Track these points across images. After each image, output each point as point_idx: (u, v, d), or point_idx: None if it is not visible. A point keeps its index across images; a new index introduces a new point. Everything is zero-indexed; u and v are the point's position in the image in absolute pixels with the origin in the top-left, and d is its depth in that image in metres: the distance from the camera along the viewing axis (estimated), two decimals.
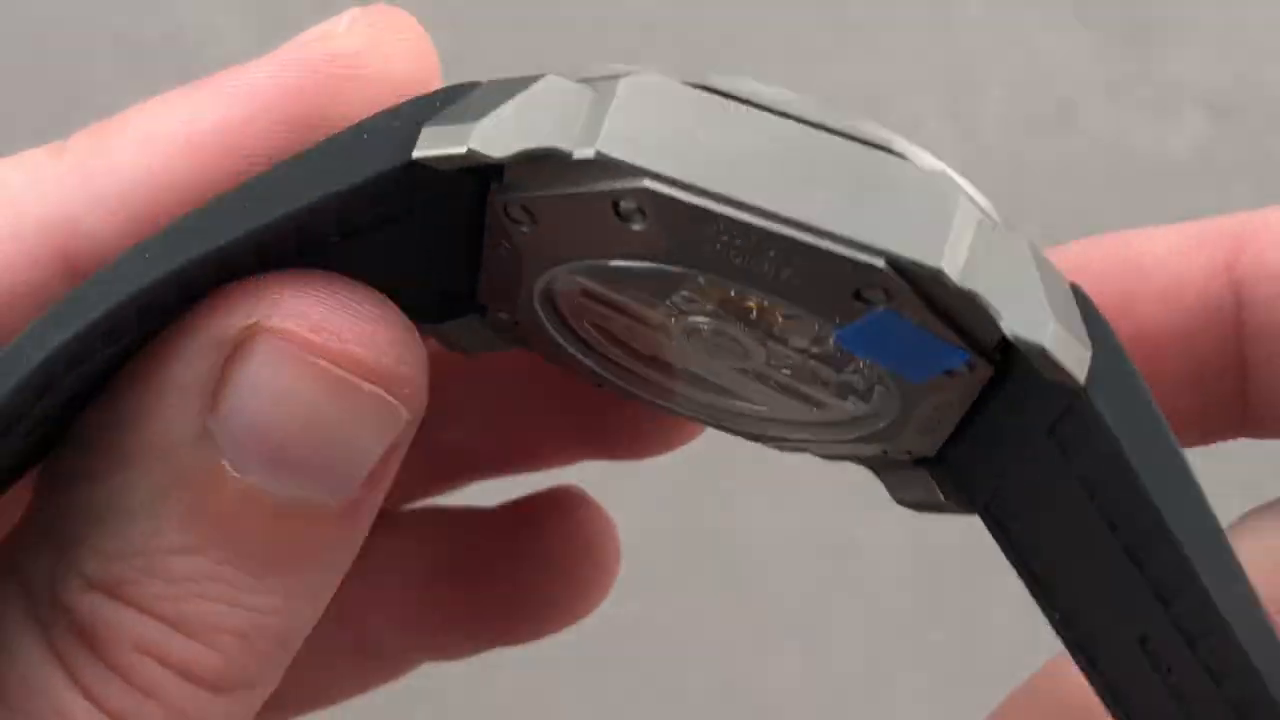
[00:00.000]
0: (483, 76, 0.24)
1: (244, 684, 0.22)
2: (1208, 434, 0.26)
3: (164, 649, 0.21)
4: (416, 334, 0.22)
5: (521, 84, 0.20)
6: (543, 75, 0.20)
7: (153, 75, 0.51)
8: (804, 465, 0.28)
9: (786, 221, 0.19)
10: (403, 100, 0.22)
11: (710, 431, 0.26)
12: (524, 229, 0.21)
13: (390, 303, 0.22)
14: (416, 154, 0.20)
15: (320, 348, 0.21)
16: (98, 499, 0.22)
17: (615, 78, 0.20)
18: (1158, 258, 0.25)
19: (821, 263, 0.19)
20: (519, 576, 0.32)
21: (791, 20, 0.56)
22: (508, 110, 0.20)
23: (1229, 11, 0.57)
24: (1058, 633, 0.22)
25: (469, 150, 0.20)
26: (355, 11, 0.23)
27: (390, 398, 0.21)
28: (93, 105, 0.51)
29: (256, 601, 0.22)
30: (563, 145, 0.20)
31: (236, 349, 0.21)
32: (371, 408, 0.21)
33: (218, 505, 0.21)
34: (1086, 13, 0.57)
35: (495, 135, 0.20)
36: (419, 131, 0.21)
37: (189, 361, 0.21)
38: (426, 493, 0.31)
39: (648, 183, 0.19)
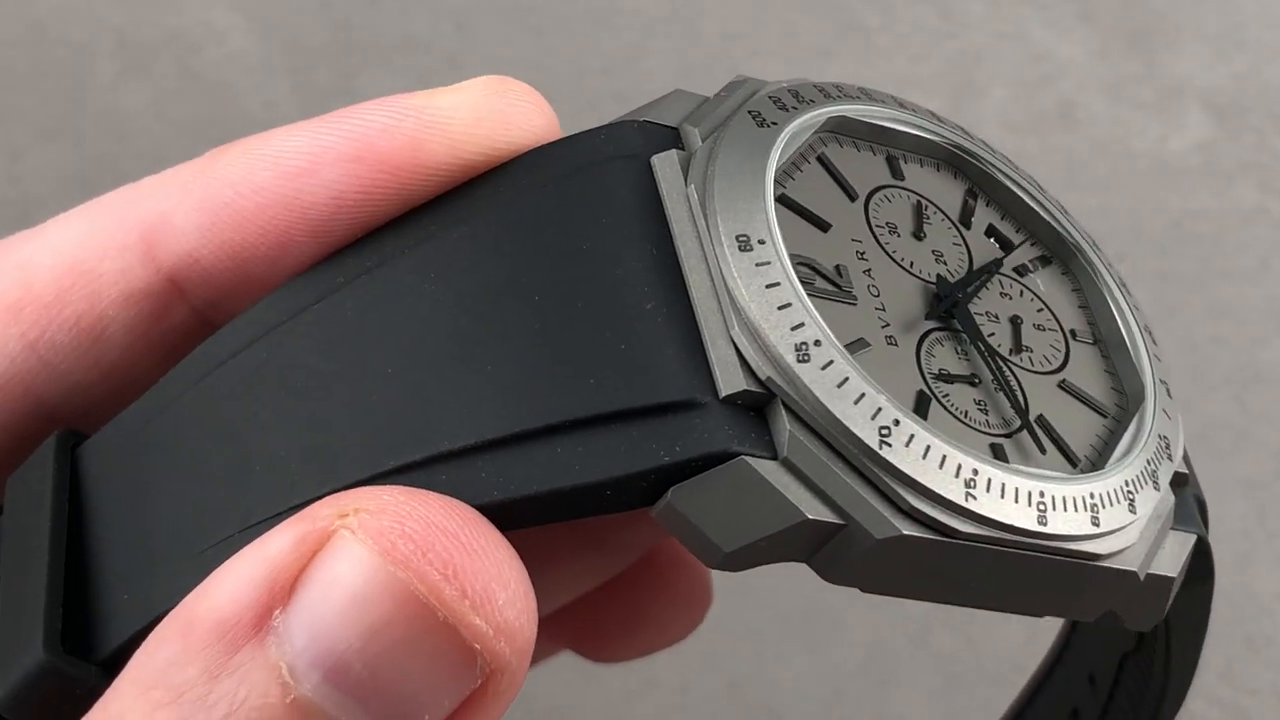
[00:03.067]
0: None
1: None
2: None
3: None
4: (530, 599, 0.20)
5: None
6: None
7: (153, 75, 0.51)
8: None
9: None
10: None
11: None
12: None
13: (510, 552, 0.20)
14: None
15: (403, 559, 0.19)
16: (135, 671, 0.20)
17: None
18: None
19: None
20: (630, 599, 0.33)
21: (791, 20, 0.56)
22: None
23: (1229, 11, 0.57)
24: None
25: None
26: (480, 79, 0.24)
27: (466, 640, 0.19)
28: (93, 105, 0.51)
29: None
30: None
31: (326, 542, 0.19)
32: (441, 643, 0.19)
33: (270, 714, 0.19)
34: (1087, 12, 0.57)
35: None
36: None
37: (283, 532, 0.20)
38: None
39: None
